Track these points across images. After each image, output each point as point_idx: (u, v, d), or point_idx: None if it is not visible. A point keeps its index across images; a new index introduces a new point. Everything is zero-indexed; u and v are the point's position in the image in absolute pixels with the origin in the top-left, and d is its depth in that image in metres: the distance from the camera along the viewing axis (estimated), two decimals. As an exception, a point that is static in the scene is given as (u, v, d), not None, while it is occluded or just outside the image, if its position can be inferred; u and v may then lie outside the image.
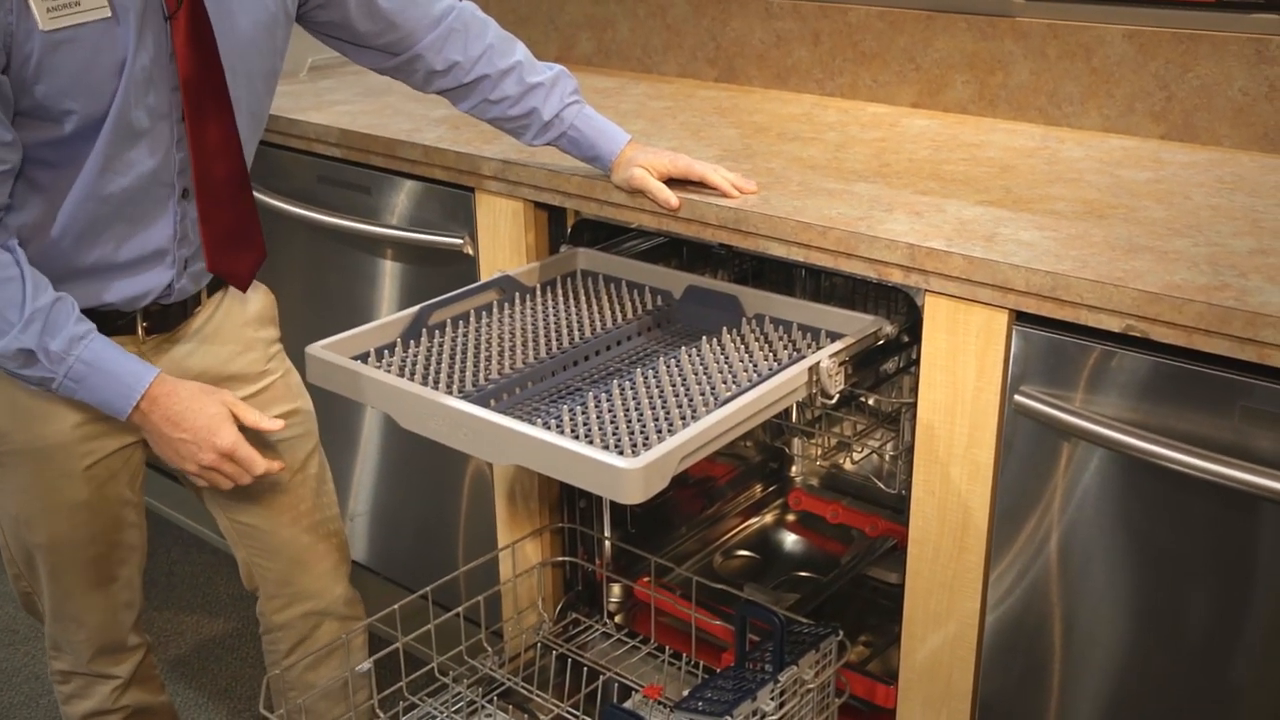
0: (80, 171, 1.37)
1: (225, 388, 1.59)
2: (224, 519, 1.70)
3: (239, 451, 1.47)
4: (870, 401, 2.12)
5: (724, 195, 1.62)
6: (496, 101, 1.69)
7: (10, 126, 1.31)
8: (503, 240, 1.91)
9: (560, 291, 1.77)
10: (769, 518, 2.38)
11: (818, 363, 1.46)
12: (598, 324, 1.67)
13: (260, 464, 1.50)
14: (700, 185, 1.64)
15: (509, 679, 1.85)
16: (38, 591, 1.64)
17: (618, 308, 1.72)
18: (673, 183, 1.65)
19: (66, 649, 1.67)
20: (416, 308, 1.63)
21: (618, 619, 2.08)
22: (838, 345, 1.51)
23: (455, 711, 1.77)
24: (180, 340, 1.56)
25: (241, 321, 1.61)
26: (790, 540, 2.33)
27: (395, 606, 1.76)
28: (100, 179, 1.38)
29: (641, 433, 1.35)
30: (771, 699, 1.53)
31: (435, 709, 1.76)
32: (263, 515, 1.68)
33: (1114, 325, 1.32)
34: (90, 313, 1.44)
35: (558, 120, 1.68)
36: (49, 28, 1.27)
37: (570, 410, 1.41)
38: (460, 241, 1.97)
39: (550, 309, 1.71)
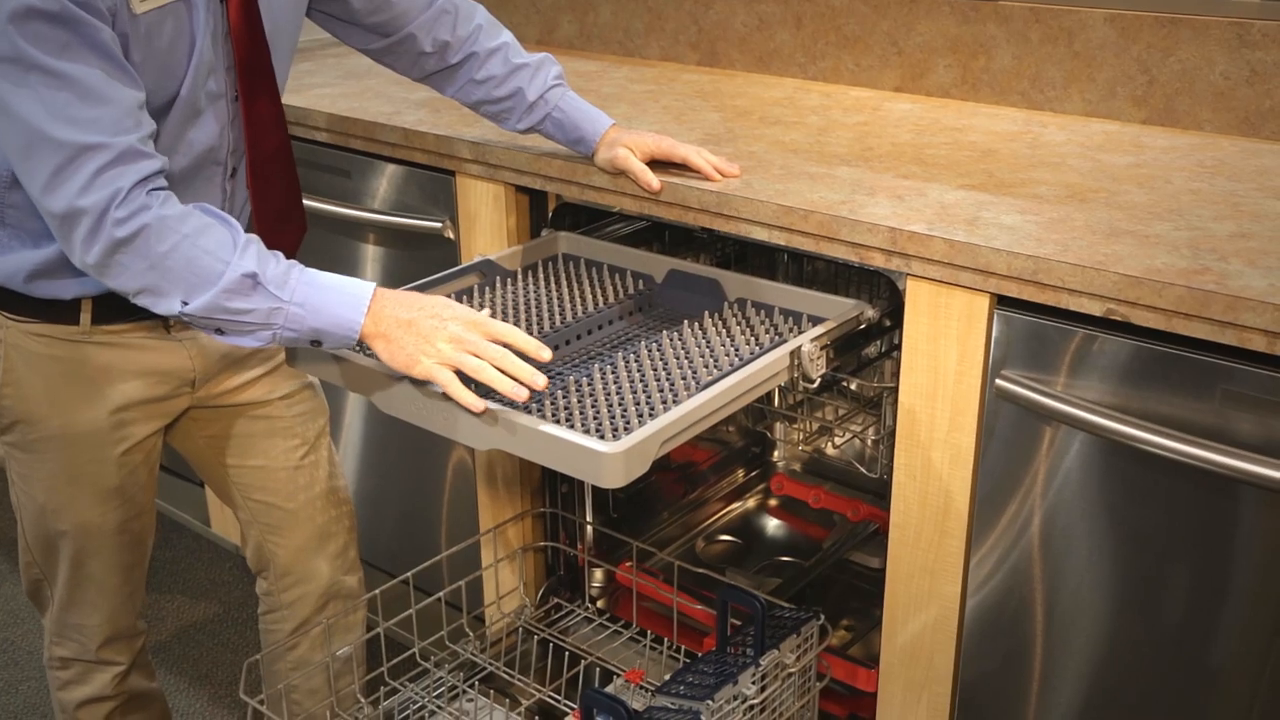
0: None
1: (246, 364, 1.62)
2: (240, 498, 1.70)
3: (488, 324, 1.32)
4: (852, 386, 2.12)
5: (706, 178, 1.62)
6: (482, 81, 1.68)
7: (141, 85, 1.30)
8: (483, 224, 1.90)
9: (541, 275, 1.76)
10: (751, 502, 2.38)
11: (799, 347, 1.46)
12: (579, 308, 1.67)
13: (510, 328, 1.32)
14: (683, 167, 1.64)
15: (490, 663, 1.85)
16: (50, 579, 1.64)
17: (599, 292, 1.72)
18: (656, 165, 1.65)
19: (74, 636, 1.67)
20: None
21: (599, 604, 2.08)
22: (819, 329, 1.51)
23: (437, 696, 1.77)
24: None
25: None
26: (772, 525, 2.34)
27: (377, 591, 1.76)
28: (169, 158, 1.38)
29: (623, 417, 1.35)
30: (753, 683, 1.54)
31: (417, 694, 1.76)
32: (280, 493, 1.69)
33: (1095, 309, 1.32)
34: (125, 298, 1.44)
35: (542, 102, 1.68)
36: (140, 10, 1.29)
37: (551, 394, 1.40)
38: (441, 225, 1.96)
39: (531, 293, 1.71)
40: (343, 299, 1.32)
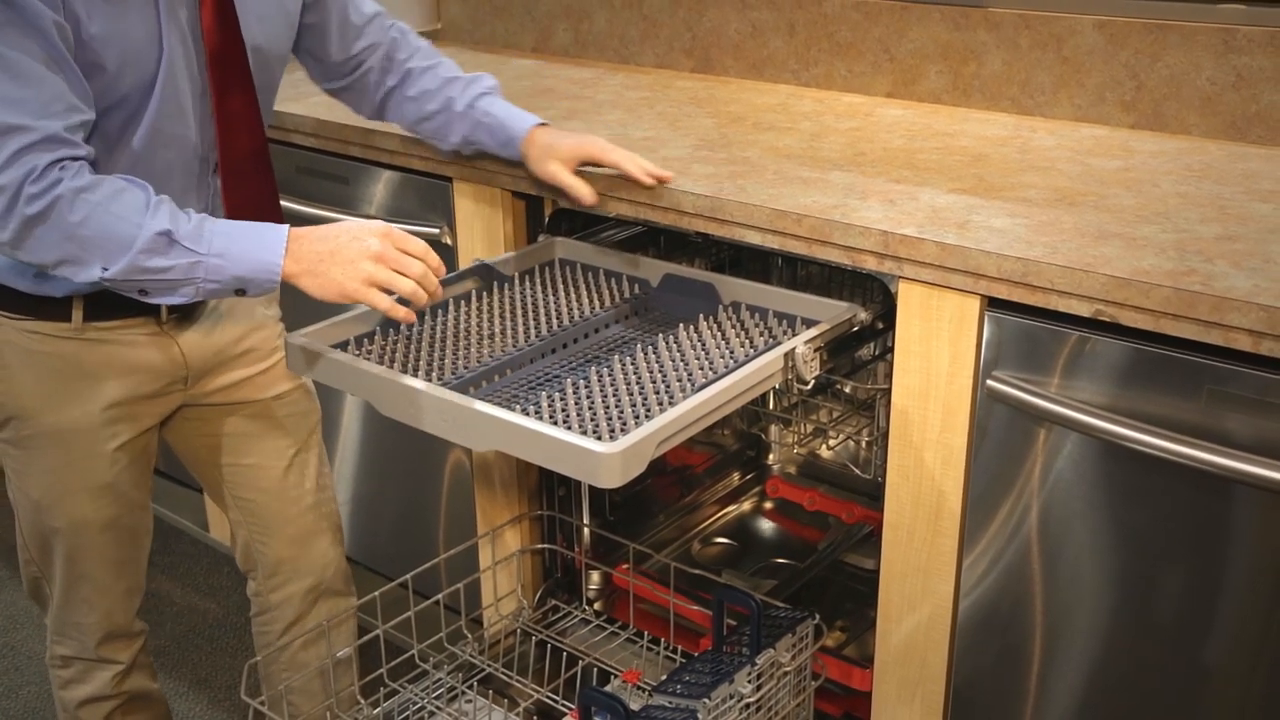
0: (132, 143, 1.40)
1: (238, 364, 1.64)
2: (228, 496, 1.72)
3: (399, 235, 1.38)
4: (846, 388, 2.14)
5: (637, 182, 1.63)
6: (415, 98, 1.72)
7: (81, 77, 1.32)
8: (480, 229, 1.92)
9: (538, 280, 1.78)
10: (747, 505, 2.40)
11: (793, 349, 1.48)
12: (575, 312, 1.68)
13: (416, 241, 1.39)
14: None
15: (489, 665, 1.86)
16: (48, 577, 1.65)
17: (595, 296, 1.73)
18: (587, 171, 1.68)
19: (73, 634, 1.68)
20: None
21: (597, 605, 2.09)
22: (813, 332, 1.52)
23: (436, 698, 1.79)
24: (198, 319, 1.58)
25: (252, 299, 1.64)
26: (768, 527, 2.35)
27: (375, 594, 1.77)
28: (149, 152, 1.41)
29: (619, 418, 1.36)
30: (748, 681, 1.55)
31: (416, 695, 1.77)
32: (270, 492, 1.71)
33: (1083, 310, 1.34)
34: (116, 296, 1.45)
35: (470, 110, 1.71)
36: None
37: (549, 397, 1.42)
38: (438, 231, 1.98)
39: (528, 297, 1.73)
40: (260, 244, 1.34)
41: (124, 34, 1.34)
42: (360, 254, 1.34)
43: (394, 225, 1.39)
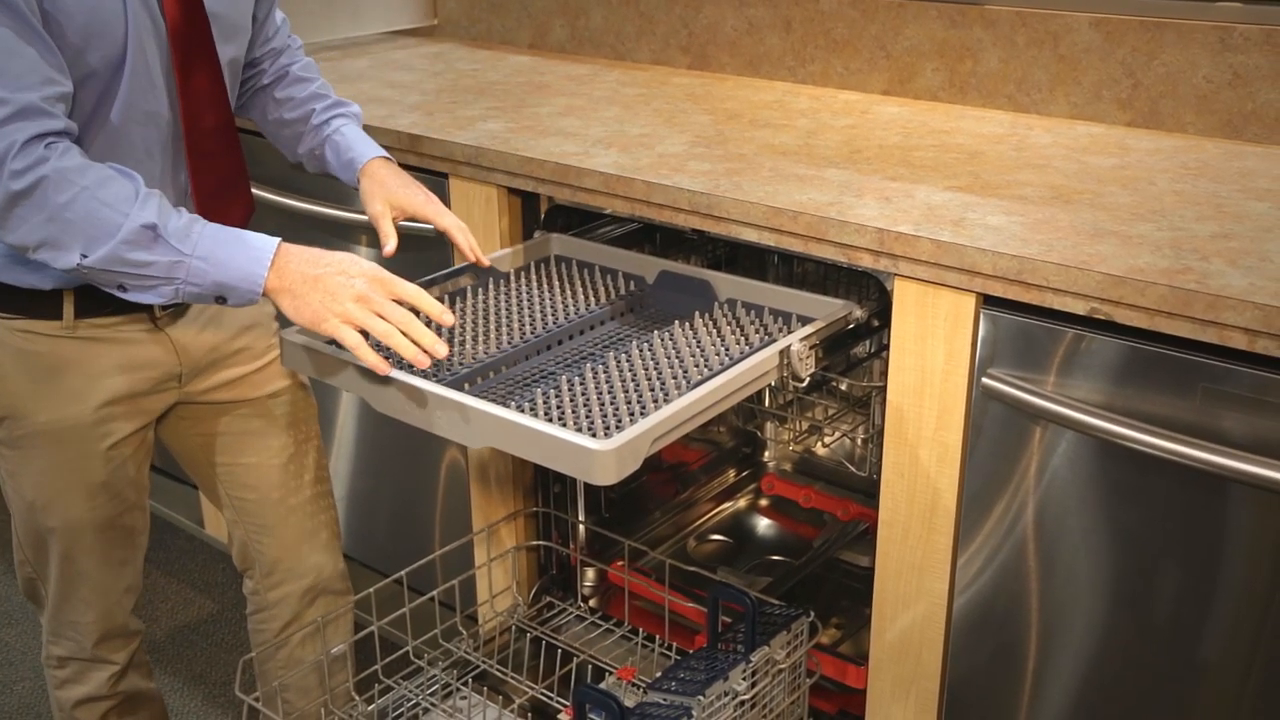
0: (109, 121, 1.38)
1: (232, 362, 1.63)
2: (226, 496, 1.72)
3: (393, 282, 1.34)
4: (842, 386, 2.14)
5: (463, 253, 1.64)
6: (280, 100, 1.72)
7: (54, 48, 1.30)
8: (476, 226, 1.91)
9: (534, 276, 1.78)
10: (742, 502, 2.40)
11: (788, 346, 1.48)
12: (571, 308, 1.68)
13: (414, 289, 1.35)
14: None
15: (484, 662, 1.86)
16: (43, 577, 1.65)
17: (591, 292, 1.73)
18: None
19: (70, 634, 1.67)
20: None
21: (592, 602, 2.09)
22: (808, 329, 1.52)
23: (430, 694, 1.79)
24: (190, 317, 1.58)
25: None
26: (763, 524, 2.35)
27: (370, 590, 1.77)
28: (127, 129, 1.40)
29: (614, 415, 1.36)
30: (743, 679, 1.55)
31: (410, 691, 1.77)
32: (268, 490, 1.70)
33: (1079, 308, 1.34)
34: (108, 292, 1.44)
35: (325, 125, 1.70)
36: None
37: (544, 393, 1.42)
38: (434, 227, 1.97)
39: (524, 294, 1.72)
40: (246, 252, 1.32)
41: (88, 6, 1.33)
42: (343, 289, 1.32)
43: (395, 276, 1.36)
